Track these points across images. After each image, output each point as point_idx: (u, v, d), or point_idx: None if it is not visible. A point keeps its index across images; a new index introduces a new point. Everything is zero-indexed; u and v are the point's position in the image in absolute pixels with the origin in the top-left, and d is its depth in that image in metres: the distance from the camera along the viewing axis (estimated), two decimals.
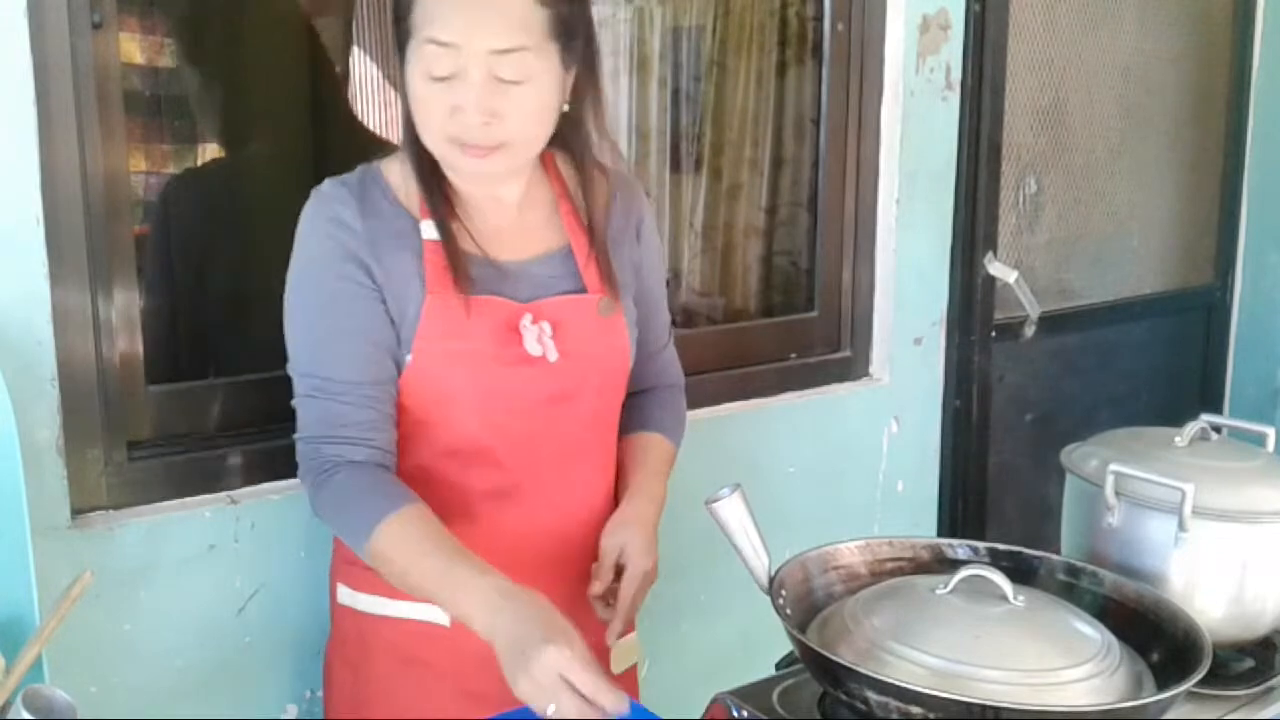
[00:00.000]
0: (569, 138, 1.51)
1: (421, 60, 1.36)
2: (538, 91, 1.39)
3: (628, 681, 1.59)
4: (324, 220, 1.41)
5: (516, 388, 1.44)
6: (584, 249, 1.51)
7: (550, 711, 1.18)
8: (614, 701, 1.18)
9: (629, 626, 1.48)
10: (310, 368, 1.41)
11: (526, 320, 1.43)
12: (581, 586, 1.46)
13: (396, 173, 1.47)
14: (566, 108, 1.46)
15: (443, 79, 1.35)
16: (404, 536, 1.35)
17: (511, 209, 1.50)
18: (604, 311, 1.49)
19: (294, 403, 1.44)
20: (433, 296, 1.40)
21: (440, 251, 1.42)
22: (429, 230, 1.43)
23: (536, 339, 1.43)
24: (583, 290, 1.49)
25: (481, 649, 1.26)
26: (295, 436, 1.44)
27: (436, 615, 1.45)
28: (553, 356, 1.44)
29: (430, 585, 1.33)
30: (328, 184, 1.45)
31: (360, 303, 1.40)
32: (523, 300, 1.45)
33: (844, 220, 2.47)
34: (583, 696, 1.18)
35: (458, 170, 1.44)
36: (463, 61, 1.34)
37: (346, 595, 1.54)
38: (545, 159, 1.54)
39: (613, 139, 1.59)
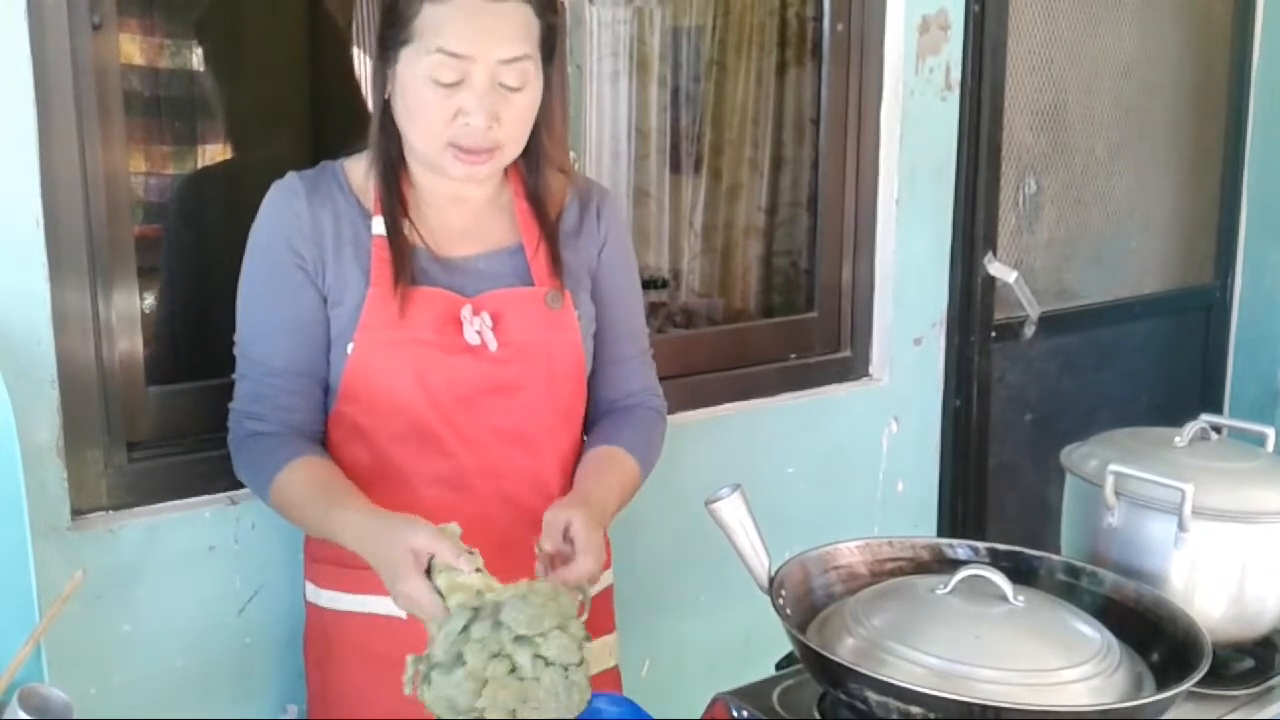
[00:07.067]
0: (530, 142, 1.53)
1: (427, 67, 1.39)
2: (531, 97, 1.45)
3: (609, 682, 1.58)
4: (274, 209, 1.48)
5: (458, 375, 1.47)
6: (534, 242, 1.53)
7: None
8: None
9: (608, 627, 1.46)
10: (247, 348, 1.50)
11: (466, 311, 1.47)
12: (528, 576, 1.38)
13: (359, 170, 1.51)
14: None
15: (449, 85, 1.39)
16: (299, 480, 1.43)
17: (470, 208, 1.53)
18: (552, 304, 1.51)
19: (234, 375, 1.52)
20: (375, 289, 1.45)
21: (386, 246, 1.46)
22: (378, 226, 1.47)
23: (476, 330, 1.47)
24: (530, 284, 1.51)
25: None
26: (229, 406, 1.52)
27: (392, 608, 1.46)
28: (492, 346, 1.47)
29: (318, 523, 1.40)
30: (288, 176, 1.51)
31: (294, 293, 1.47)
32: (469, 294, 1.48)
33: (843, 220, 2.47)
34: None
35: (448, 173, 1.46)
36: (471, 70, 1.39)
37: (311, 592, 1.57)
38: None
39: (566, 146, 1.66)
